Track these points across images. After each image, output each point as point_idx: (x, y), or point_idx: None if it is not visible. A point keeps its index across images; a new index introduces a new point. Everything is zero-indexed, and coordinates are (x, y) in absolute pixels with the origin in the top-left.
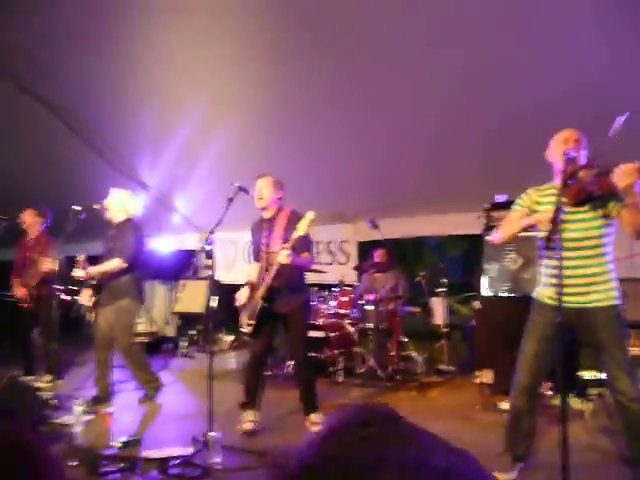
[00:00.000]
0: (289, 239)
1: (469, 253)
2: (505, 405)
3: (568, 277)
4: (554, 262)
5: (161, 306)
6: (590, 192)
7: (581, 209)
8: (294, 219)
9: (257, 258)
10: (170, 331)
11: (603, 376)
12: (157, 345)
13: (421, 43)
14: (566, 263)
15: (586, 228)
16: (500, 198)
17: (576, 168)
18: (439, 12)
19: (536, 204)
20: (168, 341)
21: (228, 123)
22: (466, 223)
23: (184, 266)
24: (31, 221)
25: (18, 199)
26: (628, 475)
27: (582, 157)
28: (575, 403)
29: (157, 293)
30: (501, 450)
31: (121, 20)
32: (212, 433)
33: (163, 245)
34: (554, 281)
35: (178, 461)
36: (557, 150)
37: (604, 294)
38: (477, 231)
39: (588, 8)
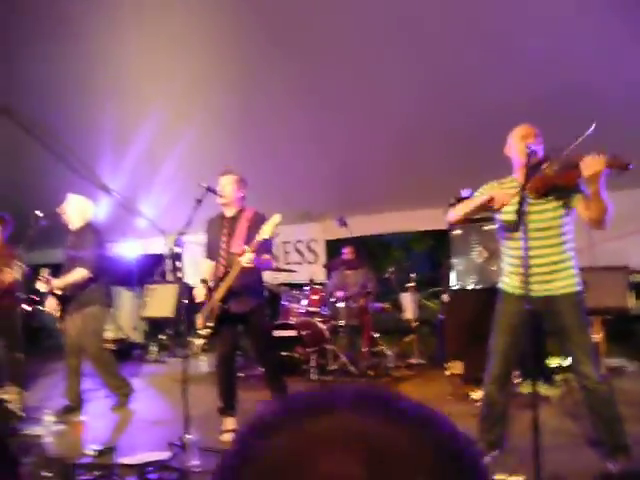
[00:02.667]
0: (251, 241)
1: (435, 249)
2: (476, 395)
3: (532, 266)
4: (518, 252)
5: (128, 312)
6: (554, 184)
7: (543, 200)
8: (257, 221)
9: (213, 257)
10: (138, 337)
11: (568, 363)
12: (126, 352)
13: (386, 45)
14: (530, 252)
15: (548, 218)
16: (465, 193)
17: (538, 161)
18: (404, 13)
19: None
20: (137, 347)
21: (191, 125)
22: (433, 219)
23: (150, 270)
24: None
25: None
26: (595, 456)
27: (540, 151)
28: (543, 389)
29: (123, 299)
30: (475, 438)
31: (83, 14)
32: (189, 436)
33: (128, 250)
34: (519, 270)
35: (155, 466)
36: (517, 145)
37: (566, 281)
38: (444, 226)
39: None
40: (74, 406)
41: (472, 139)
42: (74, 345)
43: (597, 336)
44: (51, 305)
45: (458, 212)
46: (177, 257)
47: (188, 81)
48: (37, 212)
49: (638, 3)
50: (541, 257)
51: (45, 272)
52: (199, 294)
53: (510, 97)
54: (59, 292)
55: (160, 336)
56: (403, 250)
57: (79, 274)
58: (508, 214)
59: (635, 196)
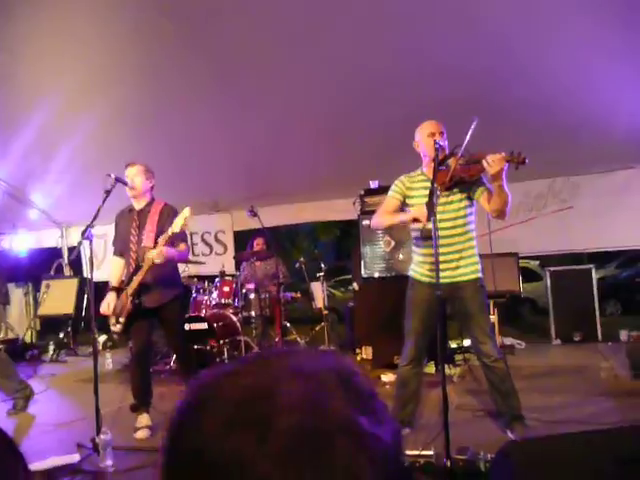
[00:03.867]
0: (162, 234)
1: (340, 238)
2: (387, 377)
3: (440, 254)
4: (428, 242)
5: (19, 310)
6: (460, 178)
7: (449, 193)
8: (168, 213)
9: (123, 252)
10: (31, 336)
11: (466, 343)
12: (18, 353)
13: (299, 45)
14: (439, 242)
15: (454, 209)
16: (373, 184)
17: (445, 156)
18: (316, 11)
19: (408, 190)
20: (32, 347)
21: (88, 115)
22: (342, 209)
23: (43, 265)
24: None
25: None
26: (495, 427)
27: (446, 147)
28: (445, 369)
29: (13, 296)
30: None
31: None
32: (102, 436)
33: (18, 243)
34: (429, 260)
35: (65, 470)
36: (425, 141)
37: (470, 268)
38: (351, 216)
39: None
40: None
41: (381, 135)
42: None
43: (493, 317)
44: None
45: (382, 223)
46: (81, 250)
47: (87, 73)
48: None
49: None
50: (448, 246)
51: None
52: (105, 306)
53: (420, 97)
54: None
55: (58, 334)
56: (310, 239)
57: None
58: (419, 207)
59: (523, 188)
